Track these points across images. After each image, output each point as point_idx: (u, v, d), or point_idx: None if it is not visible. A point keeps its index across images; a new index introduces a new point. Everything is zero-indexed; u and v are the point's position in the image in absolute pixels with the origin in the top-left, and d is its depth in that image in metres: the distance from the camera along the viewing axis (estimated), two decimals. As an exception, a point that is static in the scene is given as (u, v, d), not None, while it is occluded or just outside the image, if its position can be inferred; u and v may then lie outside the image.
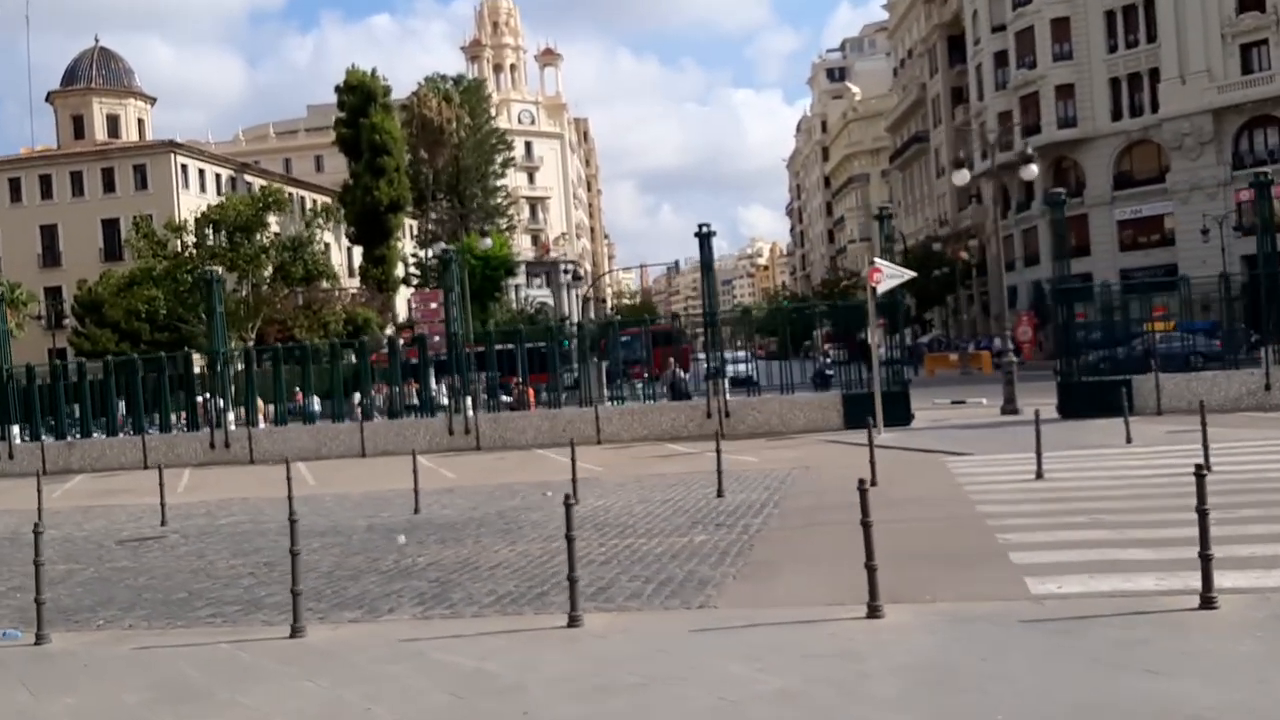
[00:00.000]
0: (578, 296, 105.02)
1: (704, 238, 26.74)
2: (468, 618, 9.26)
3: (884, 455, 19.76)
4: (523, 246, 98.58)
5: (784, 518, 13.46)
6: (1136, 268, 59.61)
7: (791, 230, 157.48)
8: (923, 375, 52.97)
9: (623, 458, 23.59)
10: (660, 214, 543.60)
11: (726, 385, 26.64)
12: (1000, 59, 69.83)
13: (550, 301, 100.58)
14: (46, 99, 70.94)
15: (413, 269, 77.49)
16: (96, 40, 72.25)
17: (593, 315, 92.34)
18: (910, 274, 24.69)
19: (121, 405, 30.85)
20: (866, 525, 8.15)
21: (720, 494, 15.84)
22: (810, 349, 46.76)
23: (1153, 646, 7.00)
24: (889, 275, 23.30)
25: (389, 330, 63.48)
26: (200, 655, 8.45)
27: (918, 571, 9.59)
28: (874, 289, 23.35)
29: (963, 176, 30.82)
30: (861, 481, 8.47)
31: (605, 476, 19.89)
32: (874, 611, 8.04)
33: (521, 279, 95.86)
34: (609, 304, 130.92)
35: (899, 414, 24.79)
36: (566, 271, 74.63)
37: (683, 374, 29.57)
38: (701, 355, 38.51)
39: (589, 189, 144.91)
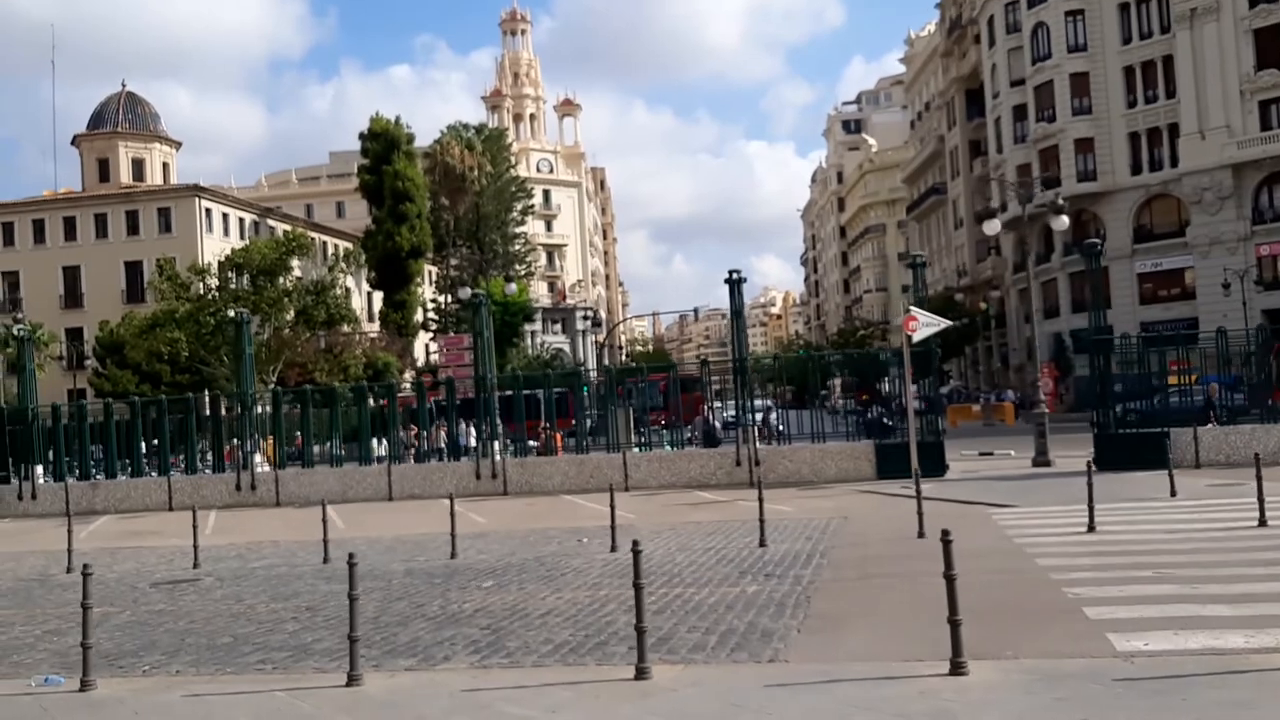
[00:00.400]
0: (594, 343, 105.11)
1: (734, 284, 26.65)
2: (528, 667, 8.97)
3: (927, 507, 19.52)
4: (539, 293, 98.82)
5: (836, 569, 13.14)
6: (1156, 321, 59.23)
7: (806, 280, 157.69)
8: (944, 426, 52.57)
9: (653, 505, 23.29)
10: (672, 263, 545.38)
11: (756, 433, 26.37)
12: (1019, 112, 70.06)
13: (566, 348, 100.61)
14: (72, 142, 71.66)
15: (431, 315, 77.75)
16: (123, 85, 73.14)
17: (607, 362, 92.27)
18: (947, 323, 24.50)
19: (140, 446, 30.71)
20: (950, 578, 7.88)
21: (763, 543, 15.54)
22: (826, 398, 46.49)
23: (1259, 710, 6.70)
24: (925, 324, 23.08)
25: (408, 375, 63.48)
26: (256, 705, 8.18)
27: (990, 626, 9.28)
28: (909, 337, 23.12)
29: (994, 226, 30.69)
30: (945, 533, 8.20)
31: (639, 524, 19.59)
32: (958, 668, 7.75)
33: (538, 325, 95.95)
34: (623, 352, 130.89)
35: (934, 465, 24.45)
36: (586, 317, 74.73)
37: (715, 421, 29.31)
38: (716, 404, 38.37)
39: (605, 237, 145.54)
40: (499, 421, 28.39)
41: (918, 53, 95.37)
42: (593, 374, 37.69)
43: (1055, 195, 36.54)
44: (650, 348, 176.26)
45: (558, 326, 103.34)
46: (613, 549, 16.04)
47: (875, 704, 7.17)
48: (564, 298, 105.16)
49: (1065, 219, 29.48)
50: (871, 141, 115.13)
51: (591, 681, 8.23)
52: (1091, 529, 14.99)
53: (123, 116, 70.57)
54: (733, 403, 30.89)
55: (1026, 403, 57.16)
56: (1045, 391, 56.50)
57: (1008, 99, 70.64)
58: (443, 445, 29.90)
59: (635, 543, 8.75)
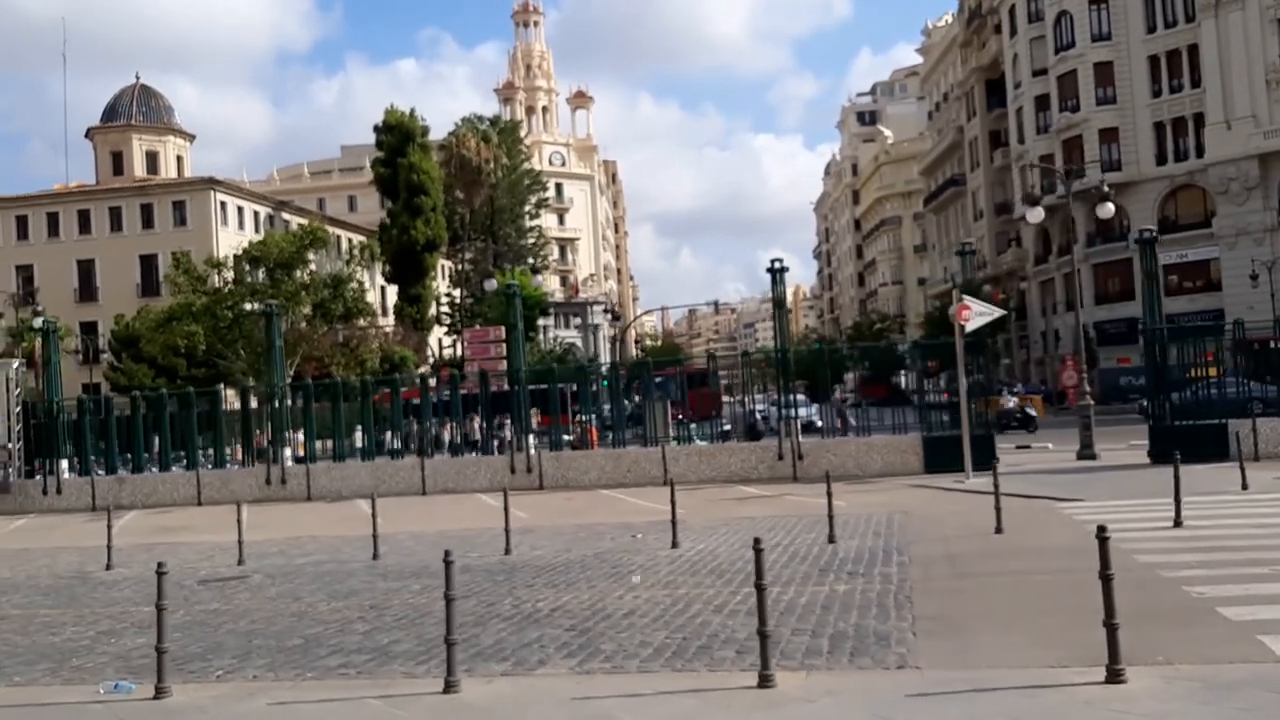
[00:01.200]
0: (605, 338, 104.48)
1: (776, 272, 26.02)
2: (634, 673, 8.38)
3: (985, 501, 18.90)
4: (552, 287, 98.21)
5: (923, 567, 12.52)
6: (1181, 313, 58.51)
7: (819, 273, 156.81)
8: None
9: (697, 499, 22.65)
10: (679, 257, 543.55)
11: (799, 426, 25.76)
12: (1042, 102, 69.30)
13: (579, 343, 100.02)
14: (86, 135, 71.10)
15: (445, 308, 77.21)
16: (137, 77, 72.68)
17: (619, 357, 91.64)
18: (1000, 311, 23.86)
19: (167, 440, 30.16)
20: (1107, 578, 7.28)
21: (832, 539, 14.95)
22: (842, 391, 45.78)
23: None
24: (978, 313, 22.44)
25: (424, 369, 62.90)
26: (350, 714, 7.61)
27: (1126, 629, 8.64)
28: (962, 327, 22.48)
29: (1036, 214, 30.07)
30: (1101, 529, 7.55)
31: (688, 519, 18.92)
32: (1115, 676, 7.15)
33: (551, 319, 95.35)
34: (637, 346, 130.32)
35: (984, 458, 23.78)
36: (608, 310, 73.99)
37: (759, 413, 28.70)
38: (726, 399, 37.79)
39: (616, 231, 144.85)
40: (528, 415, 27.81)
41: (935, 43, 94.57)
42: (604, 368, 37.11)
43: (1101, 181, 35.75)
44: (659, 342, 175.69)
45: (570, 321, 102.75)
46: (674, 545, 15.45)
47: (1038, 716, 6.57)
48: (577, 292, 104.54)
49: (1111, 206, 28.85)
50: (887, 133, 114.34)
51: (712, 689, 7.63)
52: (1178, 524, 14.38)
53: (136, 109, 70.03)
54: (760, 397, 30.36)
55: (1054, 396, 56.42)
56: (1069, 384, 56.01)
57: (1030, 89, 69.87)
58: (477, 438, 29.29)
59: (757, 541, 8.14)
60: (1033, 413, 42.42)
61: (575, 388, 32.18)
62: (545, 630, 10.15)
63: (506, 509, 16.53)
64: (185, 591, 14.18)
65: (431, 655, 9.46)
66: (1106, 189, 29.40)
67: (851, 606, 10.42)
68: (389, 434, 29.99)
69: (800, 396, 28.79)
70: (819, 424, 29.61)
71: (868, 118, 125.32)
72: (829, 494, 15.80)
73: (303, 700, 8.06)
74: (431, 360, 72.84)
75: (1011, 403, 43.11)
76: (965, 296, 22.78)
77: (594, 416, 29.74)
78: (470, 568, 14.76)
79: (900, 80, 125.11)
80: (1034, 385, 63.65)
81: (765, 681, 7.53)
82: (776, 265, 25.88)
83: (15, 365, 30.35)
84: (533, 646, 9.49)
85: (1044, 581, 11.23)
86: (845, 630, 9.38)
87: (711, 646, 9.07)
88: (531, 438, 27.14)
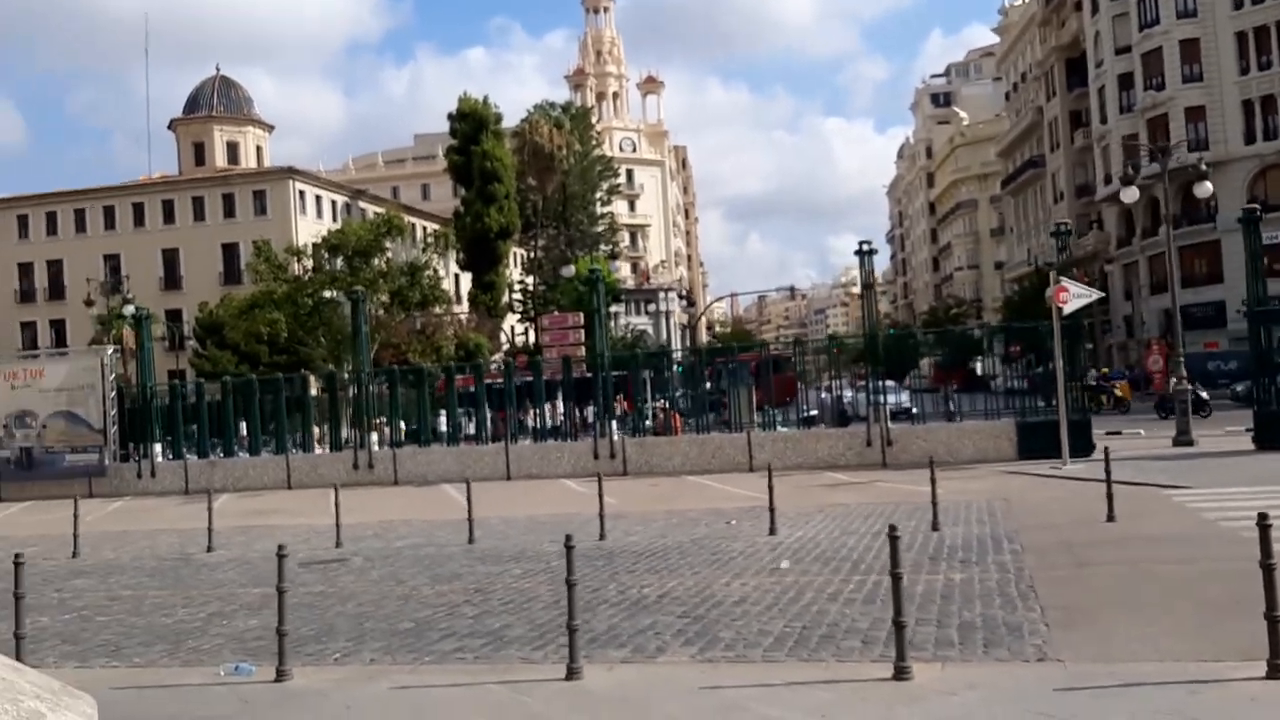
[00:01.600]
0: (676, 324, 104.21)
1: (864, 254, 25.57)
2: (759, 662, 8.18)
3: (1089, 488, 18.37)
4: (623, 274, 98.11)
5: (1039, 555, 12.13)
6: (1272, 296, 56.56)
7: (892, 258, 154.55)
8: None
9: (786, 486, 22.18)
10: (748, 242, 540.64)
11: (888, 412, 25.32)
12: (1125, 81, 67.41)
13: (649, 329, 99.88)
14: (169, 126, 72.46)
15: (517, 296, 77.59)
16: (217, 69, 73.83)
17: (691, 343, 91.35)
18: (1099, 294, 23.17)
19: (242, 426, 30.65)
20: (1269, 567, 6.87)
21: (936, 527, 14.59)
22: (915, 377, 44.87)
23: None
24: (1076, 295, 21.82)
25: (498, 356, 63.23)
26: (475, 699, 7.50)
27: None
28: (1059, 310, 21.85)
29: (1131, 194, 29.13)
30: (1263, 516, 7.16)
31: (781, 506, 18.59)
32: (1276, 671, 6.77)
33: (621, 306, 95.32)
34: (705, 333, 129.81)
35: (1081, 444, 23.20)
36: (682, 297, 73.66)
37: (847, 398, 28.29)
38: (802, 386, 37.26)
39: (686, 216, 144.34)
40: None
41: (1012, 22, 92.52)
42: (683, 354, 36.87)
43: (1199, 160, 34.59)
44: (729, 328, 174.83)
45: (641, 307, 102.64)
46: (771, 531, 15.21)
47: (1201, 713, 6.24)
48: (647, 278, 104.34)
49: (1209, 185, 27.87)
50: (962, 115, 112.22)
51: (845, 681, 7.40)
52: (1302, 513, 13.76)
53: (217, 100, 71.20)
54: (839, 383, 29.89)
55: (1141, 381, 55.00)
56: (1154, 370, 54.55)
57: (1113, 67, 67.98)
58: (559, 424, 29.28)
59: (893, 528, 7.86)
60: (1118, 393, 41.42)
61: (653, 374, 32.06)
62: (657, 617, 9.99)
63: (601, 494, 16.41)
64: (288, 574, 14.23)
65: (546, 640, 9.36)
66: (1204, 167, 28.39)
67: (972, 596, 10.11)
68: (471, 419, 30.18)
69: (889, 382, 28.27)
70: (913, 409, 29.06)
71: (942, 99, 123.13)
72: (933, 480, 15.43)
73: (424, 685, 7.98)
74: (505, 347, 73.23)
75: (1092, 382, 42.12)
76: (1063, 279, 22.14)
77: (675, 402, 29.55)
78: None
79: (975, 61, 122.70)
80: (1119, 371, 62.11)
81: (901, 673, 7.28)
82: (865, 248, 25.45)
83: (110, 351, 31.04)
84: (647, 633, 9.33)
85: (1169, 571, 10.80)
86: (972, 620, 9.08)
87: (835, 636, 8.83)
88: (615, 423, 27.03)
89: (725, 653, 8.49)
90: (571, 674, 7.82)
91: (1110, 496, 14.53)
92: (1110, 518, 14.31)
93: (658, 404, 29.84)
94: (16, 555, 8.92)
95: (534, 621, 10.16)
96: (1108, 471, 15.11)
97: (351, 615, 11.04)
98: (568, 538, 8.23)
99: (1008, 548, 12.81)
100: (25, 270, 67.99)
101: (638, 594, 11.28)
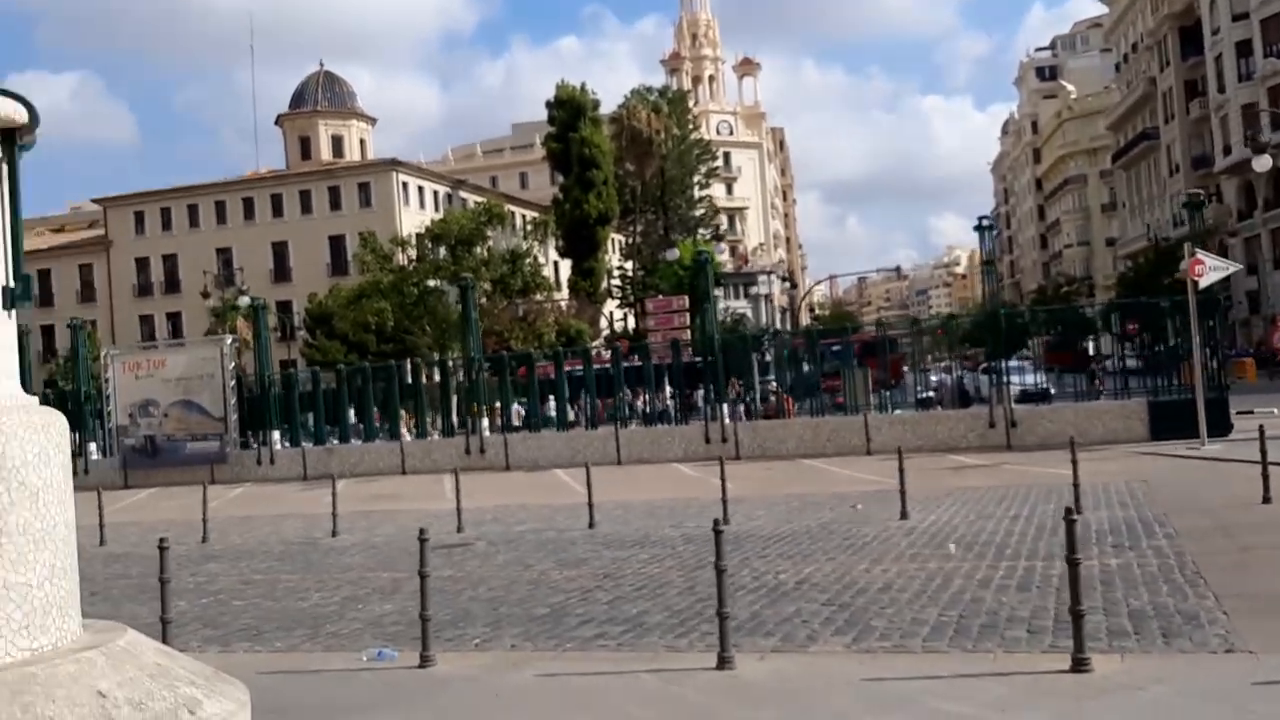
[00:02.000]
0: (777, 307, 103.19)
1: (983, 230, 24.79)
2: (920, 653, 7.79)
3: (1233, 469, 17.49)
4: (722, 257, 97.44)
5: (1196, 540, 11.46)
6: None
7: (997, 236, 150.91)
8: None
9: (908, 470, 21.68)
10: (846, 225, 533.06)
11: (1013, 393, 24.50)
12: (1244, 49, 64.49)
13: (748, 313, 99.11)
14: (276, 122, 74.05)
15: (616, 281, 77.66)
16: (321, 65, 75.41)
17: (791, 326, 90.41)
18: (1236, 265, 22.07)
19: (351, 412, 31.05)
20: None
21: (1079, 510, 13.90)
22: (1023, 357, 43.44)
23: None
24: (1213, 268, 20.77)
25: (599, 341, 63.33)
26: (625, 687, 7.26)
27: None
28: (1195, 283, 20.83)
29: (1264, 162, 27.77)
30: None
31: (906, 490, 18.19)
32: None
33: (721, 290, 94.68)
34: (805, 315, 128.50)
35: (1218, 424, 22.14)
36: (784, 279, 72.90)
37: (970, 378, 27.52)
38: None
39: (784, 199, 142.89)
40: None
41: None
42: (793, 335, 36.23)
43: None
44: (828, 311, 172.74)
45: (740, 291, 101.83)
46: (903, 516, 14.72)
47: None
48: (746, 261, 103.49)
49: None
50: (1070, 88, 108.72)
51: (1021, 673, 6.96)
52: None
53: (321, 95, 72.51)
54: (950, 364, 29.07)
55: (1268, 359, 52.68)
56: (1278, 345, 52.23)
57: (1229, 34, 65.08)
58: (669, 407, 29.09)
59: (1069, 510, 7.40)
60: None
61: (761, 356, 31.60)
62: (800, 604, 9.64)
63: (723, 477, 16.07)
64: (413, 559, 14.21)
65: (688, 628, 9.10)
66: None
67: (1135, 582, 9.55)
68: (575, 405, 30.21)
69: (1015, 362, 27.34)
70: (1049, 389, 27.98)
71: (1047, 73, 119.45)
72: (1074, 461, 14.85)
73: (571, 673, 7.77)
74: (605, 333, 73.37)
75: None
76: (1199, 252, 21.10)
77: (787, 384, 29.07)
78: (693, 538, 14.40)
79: (1081, 32, 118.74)
80: (1243, 348, 59.64)
81: (1080, 665, 6.82)
82: (983, 223, 24.66)
83: (229, 341, 31.72)
84: (794, 621, 8.99)
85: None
86: (1143, 609, 8.55)
87: (996, 625, 8.38)
88: (725, 407, 26.70)
89: (881, 642, 8.12)
90: (723, 663, 7.53)
91: (1266, 477, 13.72)
92: (1266, 499, 13.54)
93: (769, 387, 29.39)
94: (161, 540, 8.96)
95: (671, 608, 9.90)
96: (1263, 450, 14.27)
97: (485, 600, 10.92)
98: (716, 521, 7.96)
99: (1160, 532, 12.16)
100: (142, 265, 70.19)
101: (774, 580, 10.96)
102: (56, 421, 6.77)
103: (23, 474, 6.30)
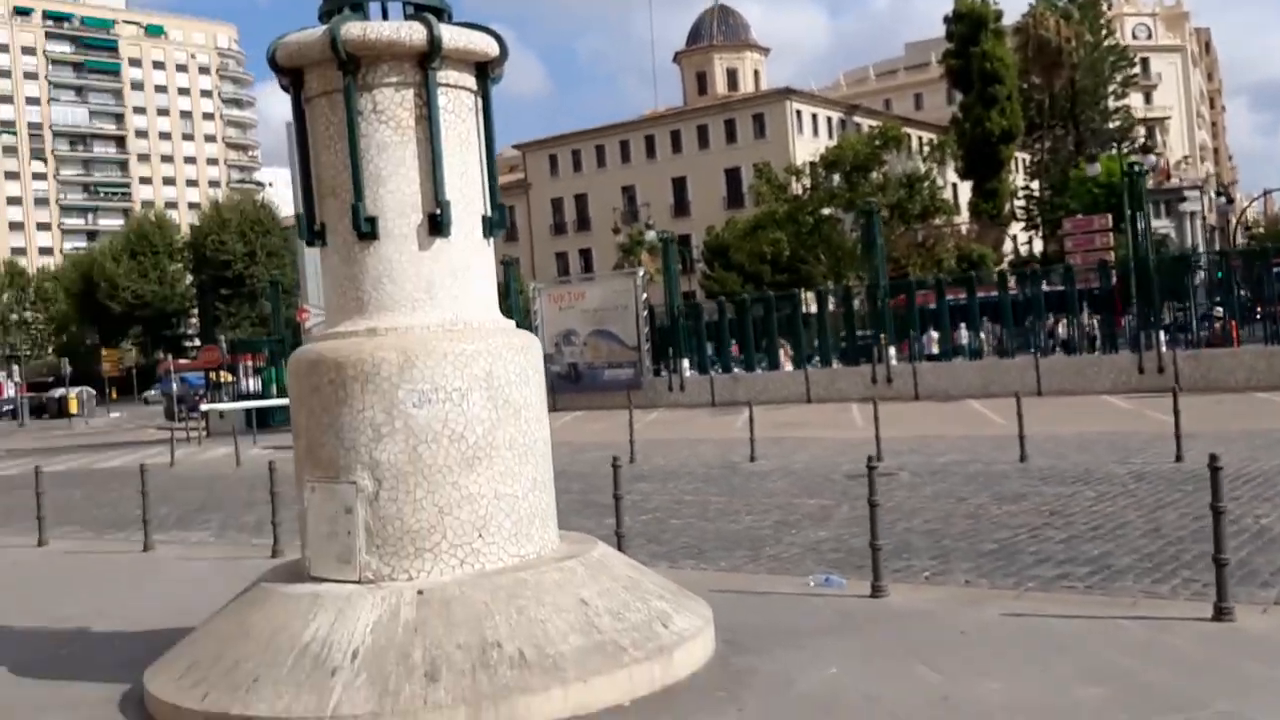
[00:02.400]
0: (1204, 227, 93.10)
1: None
2: None
3: None
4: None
5: None
6: None
7: None
8: None
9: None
10: (1278, 134, 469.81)
11: None
12: None
13: (1172, 233, 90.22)
14: (674, 59, 76.15)
15: (1019, 203, 73.46)
16: (715, 1, 76.10)
17: (1223, 245, 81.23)
18: None
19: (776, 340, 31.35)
20: None
21: None
22: None
23: None
24: None
25: (1002, 266, 60.18)
26: (1109, 634, 6.58)
27: None
28: None
29: None
30: None
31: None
32: None
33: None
34: (1237, 235, 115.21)
35: None
36: (1219, 193, 65.75)
37: None
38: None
39: (1211, 106, 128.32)
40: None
41: None
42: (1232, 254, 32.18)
43: None
44: (1262, 229, 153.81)
45: (1161, 209, 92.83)
46: None
47: None
48: (1168, 176, 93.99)
49: None
50: None
51: None
52: None
53: (717, 29, 73.58)
54: None
55: None
56: None
57: None
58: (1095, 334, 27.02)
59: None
60: None
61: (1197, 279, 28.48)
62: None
63: (1176, 411, 14.53)
64: (833, 485, 14.14)
65: (1163, 574, 8.26)
66: None
67: None
68: (986, 333, 28.81)
69: None
70: None
71: None
72: None
73: (1038, 614, 7.20)
74: (1010, 257, 69.61)
75: None
76: None
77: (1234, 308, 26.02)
78: (1143, 474, 13.18)
79: None
80: None
81: None
82: None
83: (640, 273, 33.14)
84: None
85: None
86: None
87: None
88: (1163, 334, 24.33)
89: None
90: (1220, 614, 6.67)
91: None
92: None
93: (1214, 312, 26.46)
94: (614, 459, 9.32)
95: (1140, 551, 9.02)
96: None
97: (922, 532, 10.53)
98: (1213, 457, 6.97)
99: None
100: (556, 205, 75.22)
101: (1255, 524, 9.71)
102: (533, 344, 7.11)
103: (507, 392, 6.67)
